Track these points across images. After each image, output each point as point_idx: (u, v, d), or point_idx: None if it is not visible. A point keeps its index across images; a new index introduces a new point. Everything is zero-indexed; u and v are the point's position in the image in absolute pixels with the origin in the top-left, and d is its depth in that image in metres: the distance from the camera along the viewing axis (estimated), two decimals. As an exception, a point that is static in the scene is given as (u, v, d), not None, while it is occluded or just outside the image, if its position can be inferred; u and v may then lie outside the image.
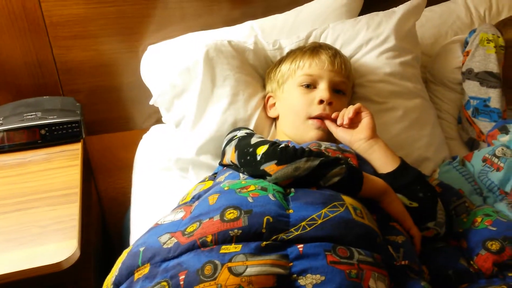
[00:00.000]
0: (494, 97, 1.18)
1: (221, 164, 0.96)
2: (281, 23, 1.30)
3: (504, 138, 1.12)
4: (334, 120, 1.00)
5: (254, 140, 0.86)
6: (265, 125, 1.11)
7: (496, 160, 1.09)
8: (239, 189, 0.75)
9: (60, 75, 1.27)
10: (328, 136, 1.01)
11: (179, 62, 1.11)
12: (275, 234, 0.66)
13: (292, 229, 0.67)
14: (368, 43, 1.18)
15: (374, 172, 0.93)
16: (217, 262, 0.62)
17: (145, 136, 1.26)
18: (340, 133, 0.99)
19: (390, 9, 1.24)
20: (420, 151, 1.14)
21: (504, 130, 1.14)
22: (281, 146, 0.82)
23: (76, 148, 1.10)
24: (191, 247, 0.65)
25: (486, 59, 1.20)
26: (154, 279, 0.64)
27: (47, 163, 1.05)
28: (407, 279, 0.72)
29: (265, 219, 0.67)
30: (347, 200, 0.75)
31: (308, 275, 0.62)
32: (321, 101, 1.00)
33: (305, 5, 1.34)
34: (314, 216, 0.69)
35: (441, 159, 1.17)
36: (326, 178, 0.78)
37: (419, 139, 1.14)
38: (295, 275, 0.62)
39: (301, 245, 0.65)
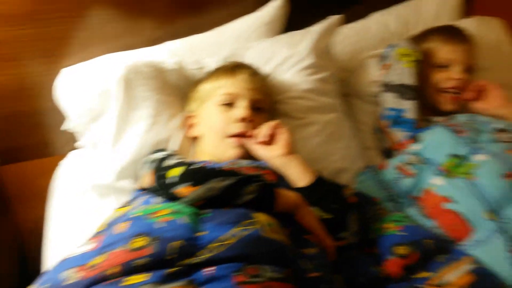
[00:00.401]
0: (409, 108, 1.26)
1: (138, 189, 0.95)
2: (204, 43, 1.32)
3: (416, 147, 1.20)
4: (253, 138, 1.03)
5: (170, 162, 0.87)
6: (187, 146, 1.12)
7: (407, 167, 1.16)
8: (150, 215, 0.74)
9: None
10: (248, 154, 1.03)
11: (96, 84, 1.10)
12: (184, 258, 0.66)
13: (202, 251, 0.68)
14: (288, 61, 1.22)
15: (290, 187, 0.96)
16: None
17: (62, 163, 1.22)
18: (258, 150, 1.02)
19: (309, 28, 1.29)
20: (337, 164, 1.18)
21: (416, 139, 1.21)
22: (195, 167, 0.82)
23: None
24: (94, 282, 0.64)
25: (403, 73, 1.28)
26: None
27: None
28: None
29: (173, 245, 0.67)
30: (260, 217, 0.77)
31: None
32: (241, 119, 1.02)
33: (228, 24, 1.37)
34: (226, 236, 0.70)
35: (358, 169, 1.23)
36: (241, 197, 0.80)
37: (336, 152, 1.19)
38: None
39: (209, 268, 0.66)
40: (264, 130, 1.01)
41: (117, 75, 1.08)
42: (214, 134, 1.05)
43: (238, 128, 1.02)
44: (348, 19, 1.55)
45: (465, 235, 0.97)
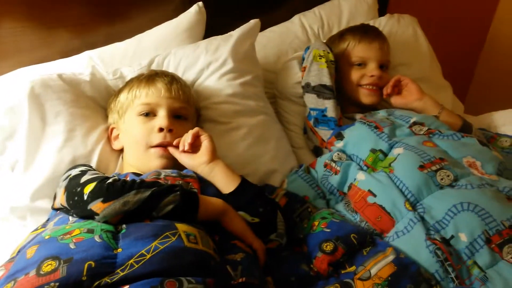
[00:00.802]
0: (329, 107, 1.30)
1: (53, 208, 0.90)
2: (122, 51, 1.28)
3: (340, 144, 1.24)
4: (177, 147, 1.01)
5: (84, 178, 0.83)
6: (110, 159, 1.08)
7: (334, 164, 1.19)
8: (61, 236, 0.71)
9: None
10: (174, 163, 1.01)
11: (2, 101, 1.03)
12: (97, 279, 0.63)
13: (118, 270, 0.65)
14: (209, 66, 1.22)
15: (219, 194, 0.95)
16: None
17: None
18: (183, 159, 1.00)
19: (228, 33, 1.30)
20: (267, 165, 1.20)
21: (339, 137, 1.25)
22: (108, 181, 0.79)
23: None
24: None
25: (320, 73, 1.31)
26: None
27: None
28: None
29: (86, 265, 0.64)
30: (181, 227, 0.75)
31: None
32: (160, 129, 1.00)
33: (147, 32, 1.33)
34: (143, 251, 0.68)
35: (289, 169, 1.24)
36: (159, 208, 0.78)
37: (265, 153, 1.20)
38: None
39: (127, 286, 0.63)
40: (186, 138, 1.00)
41: (23, 91, 1.01)
42: (136, 145, 1.02)
43: (159, 138, 1.00)
44: (272, 22, 1.59)
45: (390, 227, 1.01)
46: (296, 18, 1.61)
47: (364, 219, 1.04)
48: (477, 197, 0.95)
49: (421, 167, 1.04)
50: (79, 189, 0.80)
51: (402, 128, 1.21)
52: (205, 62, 1.22)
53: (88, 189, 0.78)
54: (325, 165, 1.21)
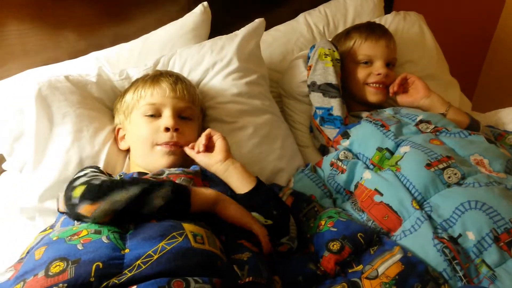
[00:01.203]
0: (335, 106, 1.29)
1: (59, 211, 0.90)
2: (128, 52, 1.29)
3: (346, 143, 1.23)
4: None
5: (78, 182, 0.82)
6: (117, 159, 1.09)
7: (340, 163, 1.19)
8: (69, 237, 0.71)
9: None
10: (181, 160, 1.02)
11: (11, 103, 1.04)
12: (105, 280, 0.64)
13: (126, 271, 0.65)
14: (214, 66, 1.22)
15: (226, 193, 0.95)
16: None
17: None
18: (199, 158, 1.02)
19: (233, 33, 1.30)
20: (274, 164, 1.20)
21: (345, 135, 1.25)
22: (95, 183, 0.79)
23: None
24: None
25: (326, 72, 1.31)
26: None
27: None
28: None
29: (94, 266, 0.64)
30: (188, 227, 0.75)
31: None
32: (167, 129, 1.01)
33: (152, 32, 1.34)
34: (150, 252, 0.68)
35: (295, 168, 1.24)
36: (149, 204, 0.77)
37: (271, 152, 1.20)
38: None
39: (135, 287, 0.63)
40: (200, 140, 1.02)
41: (31, 93, 1.02)
42: (142, 145, 1.02)
43: (165, 137, 1.01)
44: (277, 21, 1.59)
45: (397, 226, 1.00)
46: (301, 17, 1.61)
47: (371, 218, 1.04)
48: (484, 195, 0.94)
49: (428, 165, 1.04)
50: (70, 192, 0.79)
51: (409, 126, 1.20)
52: (211, 62, 1.22)
53: (77, 192, 0.78)
54: (332, 164, 1.20)
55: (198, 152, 1.02)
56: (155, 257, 0.67)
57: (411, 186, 1.02)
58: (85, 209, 0.76)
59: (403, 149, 1.11)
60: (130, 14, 1.37)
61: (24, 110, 1.03)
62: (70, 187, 0.81)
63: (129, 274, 0.65)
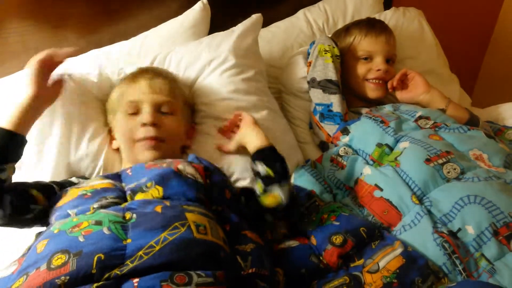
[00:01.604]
0: (335, 102, 1.30)
1: None
2: (128, 50, 1.29)
3: (345, 139, 1.24)
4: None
5: None
6: (115, 158, 1.09)
7: (340, 159, 1.19)
8: (70, 229, 0.71)
9: None
10: (164, 155, 1.01)
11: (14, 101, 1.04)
12: (107, 271, 0.64)
13: (128, 262, 0.65)
14: (211, 63, 1.22)
15: (224, 180, 0.95)
16: None
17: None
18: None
19: (230, 29, 1.30)
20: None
21: (345, 132, 1.25)
22: None
23: None
24: None
25: (325, 68, 1.31)
26: None
27: None
28: None
29: (95, 258, 0.65)
30: (191, 217, 0.75)
31: None
32: (144, 125, 1.02)
33: (152, 29, 1.34)
34: (152, 242, 0.68)
35: (294, 163, 1.24)
36: None
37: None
38: None
39: (137, 279, 0.63)
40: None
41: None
42: (125, 142, 1.04)
43: (142, 132, 1.01)
44: (277, 17, 1.59)
45: (397, 221, 1.01)
46: (300, 13, 1.60)
47: (371, 213, 1.05)
48: (484, 189, 0.95)
49: (428, 160, 1.04)
50: None
51: (408, 122, 1.21)
52: (207, 59, 1.22)
53: None
54: (332, 160, 1.21)
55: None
56: (157, 248, 0.67)
57: (410, 181, 1.03)
58: None
59: (402, 144, 1.12)
60: (129, 11, 1.37)
61: None
62: None
63: (131, 265, 0.65)
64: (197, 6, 1.35)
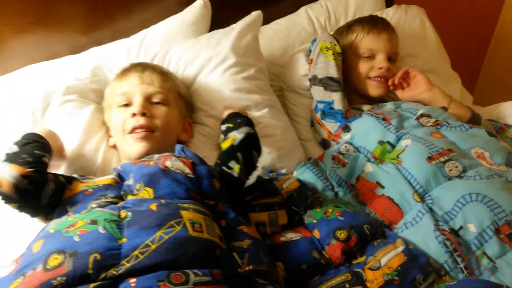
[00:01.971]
0: (336, 100, 1.29)
1: None
2: (128, 47, 1.29)
3: (347, 136, 1.23)
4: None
5: None
6: (113, 157, 1.09)
7: (341, 157, 1.19)
8: (65, 229, 0.70)
9: None
10: (157, 147, 1.00)
11: (17, 99, 1.06)
12: (104, 271, 0.63)
13: (124, 261, 0.65)
14: (210, 61, 1.21)
15: (211, 174, 0.92)
16: None
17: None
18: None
19: (229, 27, 1.29)
20: (273, 156, 1.19)
21: (346, 129, 1.25)
22: None
23: None
24: None
25: (327, 66, 1.31)
26: None
27: None
28: (254, 285, 0.73)
29: (91, 258, 0.64)
30: (186, 215, 0.74)
31: None
32: (133, 114, 1.02)
33: (152, 27, 1.34)
34: (147, 241, 0.67)
35: (296, 160, 1.24)
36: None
37: (271, 144, 1.19)
38: None
39: (134, 279, 0.62)
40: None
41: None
42: (117, 135, 1.04)
43: (132, 123, 1.01)
44: (278, 14, 1.58)
45: (398, 218, 1.01)
46: (302, 10, 1.60)
47: (372, 210, 1.05)
48: (485, 187, 0.95)
49: (430, 158, 1.04)
50: None
51: (410, 120, 1.20)
52: (206, 57, 1.22)
53: None
54: (333, 158, 1.21)
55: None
56: (153, 247, 0.66)
57: (412, 179, 1.03)
58: None
59: (404, 142, 1.11)
60: (130, 8, 1.36)
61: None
62: None
63: (127, 265, 0.64)
64: (198, 3, 1.34)
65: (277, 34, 1.52)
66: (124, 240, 0.68)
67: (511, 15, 2.15)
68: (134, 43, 1.29)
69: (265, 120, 1.21)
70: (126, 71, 1.10)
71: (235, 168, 0.96)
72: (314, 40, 1.37)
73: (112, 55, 1.25)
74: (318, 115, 1.32)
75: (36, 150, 0.90)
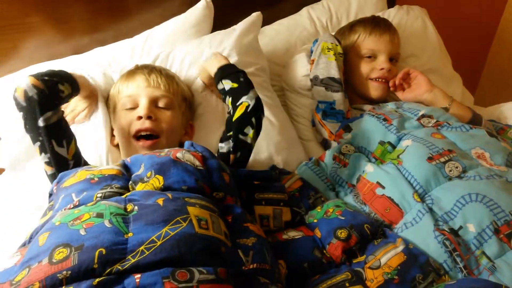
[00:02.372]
0: (338, 100, 1.30)
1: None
2: (131, 48, 1.30)
3: (348, 136, 1.24)
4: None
5: None
6: (116, 156, 1.11)
7: (342, 157, 1.19)
8: (71, 222, 0.70)
9: None
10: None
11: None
12: (109, 266, 0.63)
13: (129, 257, 0.64)
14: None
15: (221, 167, 0.93)
16: None
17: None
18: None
19: (231, 28, 1.32)
20: (270, 153, 1.20)
21: (347, 129, 1.26)
22: None
23: None
24: None
25: (328, 66, 1.31)
26: None
27: None
28: (257, 284, 0.73)
29: (97, 253, 0.63)
30: (193, 211, 0.74)
31: None
32: (139, 117, 1.03)
33: (155, 27, 1.35)
34: (153, 237, 0.67)
35: (295, 157, 1.25)
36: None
37: (269, 142, 1.21)
38: None
39: (139, 275, 0.62)
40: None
41: None
42: (122, 137, 1.06)
43: (138, 125, 1.03)
44: (280, 15, 1.59)
45: (398, 218, 1.01)
46: (304, 11, 1.61)
47: (372, 210, 1.05)
48: (485, 188, 0.95)
49: (430, 158, 1.04)
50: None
51: (411, 120, 1.21)
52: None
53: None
54: (334, 158, 1.21)
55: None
56: (159, 243, 0.66)
57: (412, 179, 1.03)
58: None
59: (405, 142, 1.12)
60: (132, 9, 1.38)
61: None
62: None
63: (133, 260, 0.64)
64: (200, 4, 1.35)
65: (279, 34, 1.53)
66: (130, 234, 0.68)
67: (513, 15, 2.15)
68: (137, 43, 1.30)
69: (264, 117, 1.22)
70: (132, 73, 1.11)
71: (250, 134, 1.05)
72: (316, 40, 1.38)
73: (116, 55, 1.26)
74: (319, 115, 1.33)
75: (55, 77, 0.98)
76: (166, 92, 1.08)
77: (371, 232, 0.94)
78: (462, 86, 1.61)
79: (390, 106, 1.30)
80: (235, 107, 1.06)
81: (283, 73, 1.47)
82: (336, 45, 1.33)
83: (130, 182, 0.85)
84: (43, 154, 0.95)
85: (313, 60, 1.35)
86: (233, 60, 1.23)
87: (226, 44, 1.25)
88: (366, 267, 0.88)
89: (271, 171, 1.13)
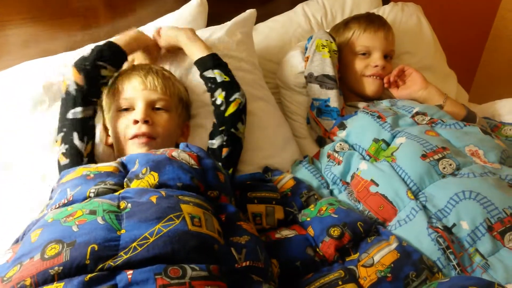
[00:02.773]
0: (332, 97, 1.30)
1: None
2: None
3: (342, 134, 1.24)
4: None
5: None
6: (109, 155, 1.10)
7: (336, 154, 1.19)
8: (64, 218, 0.70)
9: None
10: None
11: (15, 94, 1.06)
12: (101, 262, 0.63)
13: (121, 253, 0.64)
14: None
15: (216, 166, 0.93)
16: None
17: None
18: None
19: (224, 23, 1.31)
20: (264, 151, 1.20)
21: (342, 127, 1.25)
22: None
23: None
24: None
25: (323, 63, 1.31)
26: None
27: None
28: (250, 282, 0.73)
29: (89, 249, 0.64)
30: (186, 209, 0.74)
31: None
32: (135, 121, 1.03)
33: (149, 24, 1.34)
34: (146, 234, 0.67)
35: (289, 154, 1.26)
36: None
37: (262, 139, 1.21)
38: None
39: (131, 271, 0.62)
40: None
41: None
42: (118, 139, 1.05)
43: (134, 130, 1.02)
44: (275, 11, 1.59)
45: (392, 216, 1.01)
46: (299, 7, 1.60)
47: (366, 208, 1.05)
48: (479, 185, 0.95)
49: (424, 156, 1.04)
50: None
51: (405, 118, 1.20)
52: None
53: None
54: (328, 156, 1.21)
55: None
56: (151, 239, 0.66)
57: (406, 177, 1.03)
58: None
59: (398, 140, 1.12)
60: (126, 5, 1.37)
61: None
62: None
63: (125, 257, 0.64)
64: (194, 1, 1.35)
65: (274, 31, 1.53)
66: (122, 231, 0.68)
67: (508, 13, 2.15)
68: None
69: (257, 114, 1.22)
70: (128, 74, 1.09)
71: (241, 128, 1.11)
72: (310, 37, 1.38)
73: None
74: (314, 112, 1.32)
75: (101, 60, 1.06)
76: (163, 94, 1.07)
77: (364, 229, 0.94)
78: (457, 83, 1.61)
79: (385, 103, 1.30)
80: (228, 102, 1.11)
81: (277, 70, 1.46)
82: (331, 42, 1.32)
83: (125, 179, 0.85)
84: (63, 144, 1.00)
85: (307, 57, 1.35)
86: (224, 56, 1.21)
87: (214, 40, 1.24)
88: (359, 265, 0.88)
89: (264, 173, 1.14)
